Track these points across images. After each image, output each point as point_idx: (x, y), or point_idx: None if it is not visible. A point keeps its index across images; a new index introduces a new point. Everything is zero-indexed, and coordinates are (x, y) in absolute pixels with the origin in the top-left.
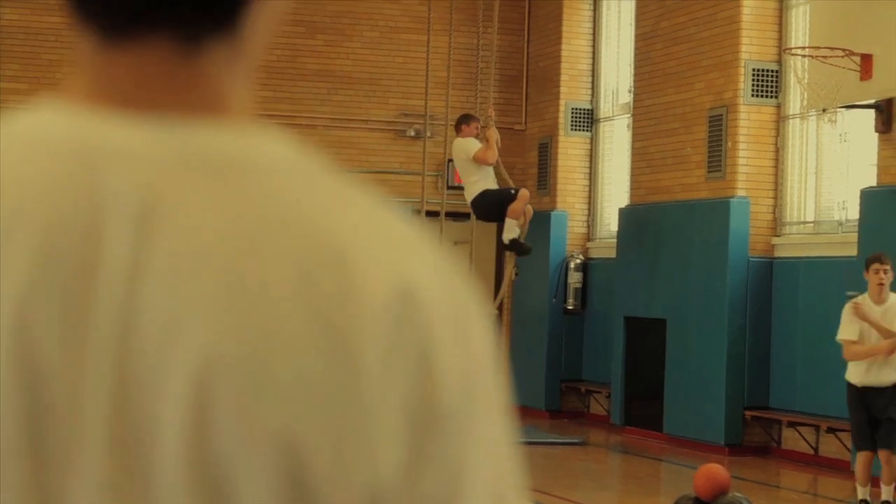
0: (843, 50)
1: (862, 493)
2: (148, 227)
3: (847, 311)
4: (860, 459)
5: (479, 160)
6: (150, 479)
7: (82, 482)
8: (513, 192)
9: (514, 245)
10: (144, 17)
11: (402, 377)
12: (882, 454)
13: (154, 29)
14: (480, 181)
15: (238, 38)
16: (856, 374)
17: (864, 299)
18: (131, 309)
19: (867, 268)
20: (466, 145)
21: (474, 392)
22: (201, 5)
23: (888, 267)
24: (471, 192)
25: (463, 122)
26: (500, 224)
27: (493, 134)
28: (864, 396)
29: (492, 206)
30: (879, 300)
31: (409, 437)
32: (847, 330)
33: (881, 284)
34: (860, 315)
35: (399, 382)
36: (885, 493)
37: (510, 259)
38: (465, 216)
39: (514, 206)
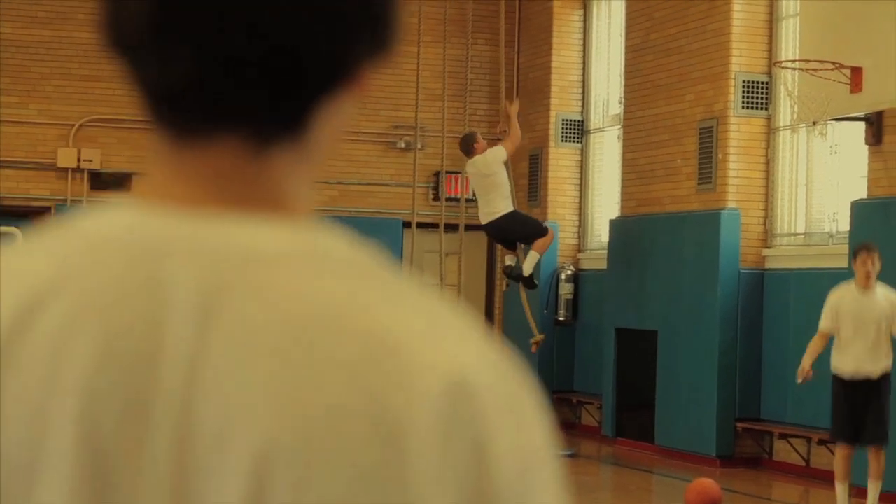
0: (833, 63)
1: (841, 491)
2: (207, 320)
3: (827, 301)
4: (839, 454)
5: (514, 144)
6: None
7: None
8: (545, 226)
9: (529, 279)
10: (216, 119)
11: (456, 468)
12: (871, 450)
13: (225, 131)
14: (509, 199)
15: (304, 141)
16: (841, 363)
17: (850, 287)
18: (191, 400)
19: (855, 257)
20: (495, 155)
21: (531, 481)
22: (270, 110)
23: (875, 256)
24: (497, 210)
25: (472, 142)
26: (508, 249)
27: (515, 107)
28: (848, 387)
29: (517, 230)
30: (867, 286)
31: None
32: (823, 322)
33: (868, 274)
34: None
35: (453, 473)
36: (872, 488)
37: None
38: (454, 228)
39: (543, 241)
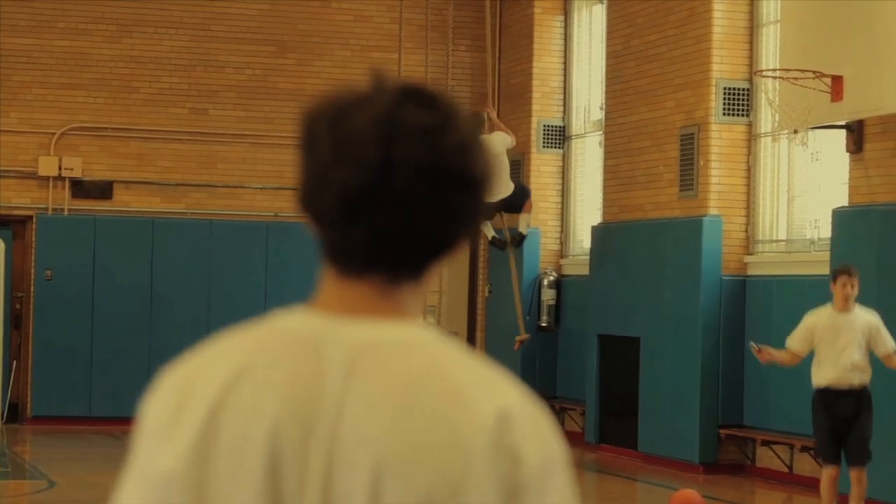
0: (814, 72)
1: None
2: (350, 380)
3: (802, 322)
4: (826, 475)
5: (513, 141)
6: None
7: None
8: (527, 187)
9: (522, 238)
10: (371, 267)
11: (500, 468)
12: (853, 473)
13: (373, 273)
14: (509, 179)
15: (419, 281)
16: (822, 378)
17: (827, 310)
18: (336, 429)
19: (834, 280)
20: (503, 138)
21: (548, 478)
22: (403, 266)
23: (855, 281)
24: (504, 190)
25: (484, 122)
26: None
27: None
28: (829, 400)
29: (515, 201)
30: (844, 308)
31: (502, 501)
32: (795, 340)
33: (847, 297)
34: (764, 358)
35: (497, 471)
36: None
37: (512, 257)
38: None
39: (530, 202)
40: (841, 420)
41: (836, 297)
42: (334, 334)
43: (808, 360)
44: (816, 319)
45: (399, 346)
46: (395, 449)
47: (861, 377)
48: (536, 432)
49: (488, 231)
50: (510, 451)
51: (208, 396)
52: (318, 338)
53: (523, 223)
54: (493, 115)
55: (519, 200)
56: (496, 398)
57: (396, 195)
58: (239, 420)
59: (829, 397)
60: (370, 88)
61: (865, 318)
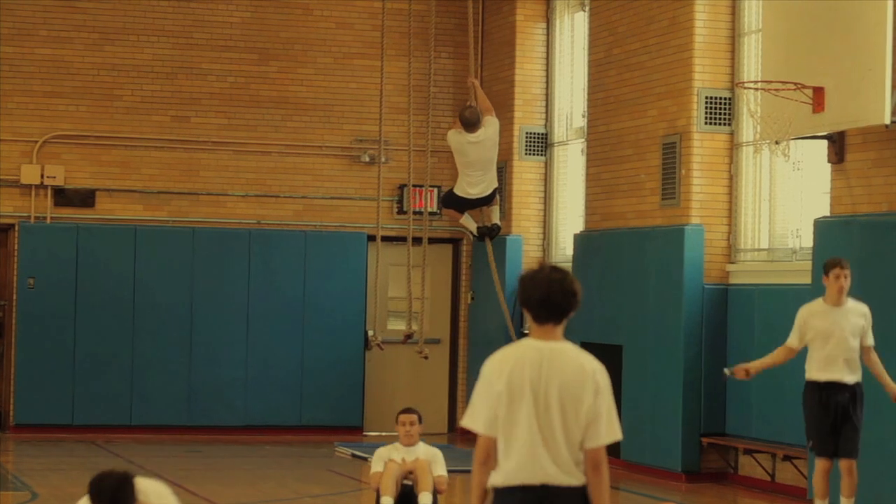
0: (795, 83)
1: None
2: (546, 361)
3: (797, 316)
4: (819, 468)
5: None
6: (550, 409)
7: (530, 411)
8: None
9: (499, 228)
10: (552, 320)
11: (595, 385)
12: (843, 463)
13: (552, 323)
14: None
15: (563, 324)
16: (817, 371)
17: (819, 304)
18: (546, 377)
19: (827, 273)
20: (495, 127)
21: (605, 387)
22: (561, 319)
23: (848, 272)
24: (491, 186)
25: (479, 116)
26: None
27: (477, 81)
28: (824, 396)
29: (493, 196)
30: (838, 302)
31: (594, 396)
32: (791, 336)
33: (841, 289)
34: (743, 376)
35: (594, 386)
36: None
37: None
38: (418, 241)
39: (498, 196)
40: (835, 414)
41: (830, 289)
42: (540, 345)
43: (788, 374)
44: (809, 313)
45: (563, 349)
46: (565, 383)
47: (855, 373)
48: (604, 374)
49: (470, 224)
50: (595, 382)
51: (508, 362)
52: (535, 347)
53: (495, 215)
54: (477, 83)
55: (494, 197)
56: (591, 363)
57: (555, 300)
58: (519, 371)
59: (823, 393)
60: (539, 268)
61: (858, 310)
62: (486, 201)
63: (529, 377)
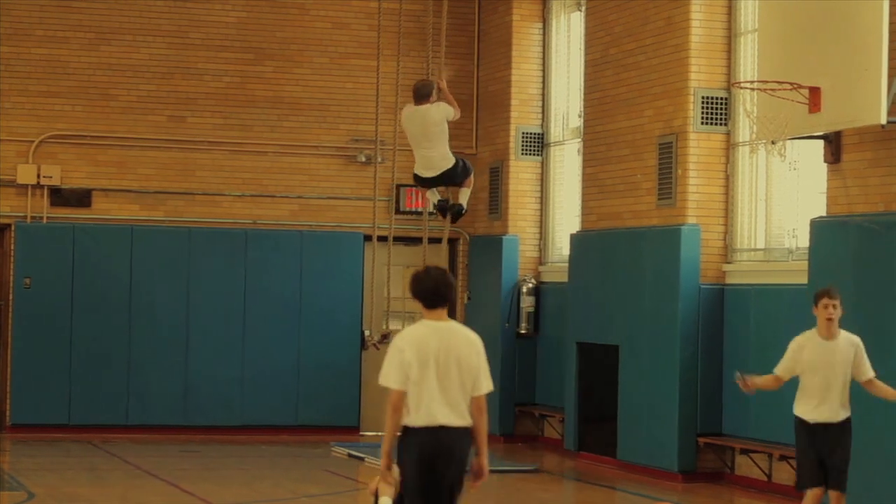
0: (791, 83)
1: None
2: (445, 336)
3: (789, 347)
4: (811, 496)
5: (457, 113)
6: (450, 370)
7: (432, 374)
8: (469, 164)
9: (461, 210)
10: (439, 305)
11: (478, 350)
12: (832, 495)
13: (439, 306)
14: (449, 150)
15: (448, 304)
16: (806, 410)
17: (813, 336)
18: (448, 347)
19: (816, 303)
20: (445, 110)
21: (483, 352)
22: (447, 302)
23: (837, 302)
24: (446, 162)
25: (432, 90)
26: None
27: (444, 82)
28: (813, 433)
29: (457, 175)
30: (829, 335)
31: (478, 358)
32: (780, 364)
33: (830, 320)
34: (748, 389)
35: (477, 351)
36: None
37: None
38: (416, 240)
39: (471, 178)
40: (825, 447)
41: (820, 320)
42: (436, 326)
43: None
44: (800, 345)
45: (454, 327)
46: (462, 353)
47: (845, 412)
48: (481, 343)
49: (433, 197)
50: (477, 347)
51: (414, 338)
52: (432, 327)
53: (463, 197)
54: (444, 86)
55: (460, 177)
56: (473, 335)
57: (441, 291)
58: (425, 344)
59: (812, 430)
60: (426, 268)
61: (849, 344)
62: (445, 181)
63: (433, 348)
